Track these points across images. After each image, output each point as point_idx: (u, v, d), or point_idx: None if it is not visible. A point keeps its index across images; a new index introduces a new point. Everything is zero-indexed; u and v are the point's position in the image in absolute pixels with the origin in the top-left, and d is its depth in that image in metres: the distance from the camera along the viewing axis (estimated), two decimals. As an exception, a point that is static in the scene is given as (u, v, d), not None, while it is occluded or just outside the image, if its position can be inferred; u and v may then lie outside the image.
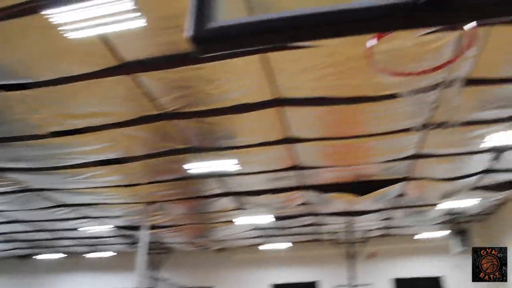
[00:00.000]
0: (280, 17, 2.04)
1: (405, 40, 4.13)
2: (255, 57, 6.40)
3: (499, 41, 6.07)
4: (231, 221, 14.96)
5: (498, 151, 9.98)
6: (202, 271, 19.67)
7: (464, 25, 3.66)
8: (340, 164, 10.59)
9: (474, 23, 3.40)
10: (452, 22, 1.96)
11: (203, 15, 1.90)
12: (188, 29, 1.84)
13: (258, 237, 17.75)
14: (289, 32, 1.94)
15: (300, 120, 8.27)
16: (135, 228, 14.65)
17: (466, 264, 16.63)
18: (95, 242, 18.85)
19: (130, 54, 6.37)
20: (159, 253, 19.05)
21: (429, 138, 9.08)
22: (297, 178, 11.25)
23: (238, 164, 10.00)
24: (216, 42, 1.95)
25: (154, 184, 11.31)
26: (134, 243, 17.09)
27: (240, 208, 13.54)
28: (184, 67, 6.52)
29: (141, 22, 5.46)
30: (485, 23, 5.14)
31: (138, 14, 5.30)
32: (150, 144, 9.19)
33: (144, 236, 13.29)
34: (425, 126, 8.48)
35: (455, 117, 8.09)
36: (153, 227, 14.27)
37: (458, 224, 16.60)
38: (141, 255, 13.10)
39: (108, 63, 6.48)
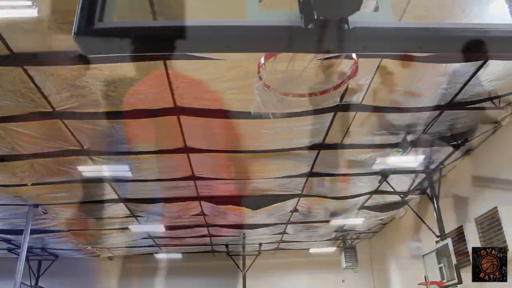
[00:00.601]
0: (170, 25, 2.01)
1: (293, 63, 4.27)
2: (159, 63, 6.27)
3: (388, 74, 6.55)
4: (124, 228, 14.42)
5: (385, 174, 10.70)
6: (91, 279, 18.63)
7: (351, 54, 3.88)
8: (236, 178, 10.69)
9: (354, 55, 3.63)
10: (339, 51, 2.05)
11: (92, 14, 1.81)
12: (74, 26, 1.76)
13: (152, 246, 17.30)
14: (176, 42, 1.93)
15: (199, 131, 8.23)
16: (16, 232, 13.57)
17: (354, 278, 17.75)
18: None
19: (22, 45, 5.95)
20: (42, 259, 17.82)
21: (322, 158, 9.47)
22: (194, 189, 11.16)
23: (133, 170, 9.69)
24: (100, 42, 1.87)
25: (42, 186, 10.57)
26: (13, 248, 15.88)
27: (134, 216, 13.12)
28: (81, 65, 6.21)
29: (34, 12, 5.12)
30: (375, 55, 5.51)
31: (31, 3, 4.97)
32: (39, 143, 8.58)
33: (25, 241, 12.34)
34: (316, 146, 8.86)
35: (346, 139, 8.56)
36: (37, 231, 13.31)
37: (347, 240, 17.49)
38: (21, 262, 12.15)
39: (-4, 51, 5.99)
